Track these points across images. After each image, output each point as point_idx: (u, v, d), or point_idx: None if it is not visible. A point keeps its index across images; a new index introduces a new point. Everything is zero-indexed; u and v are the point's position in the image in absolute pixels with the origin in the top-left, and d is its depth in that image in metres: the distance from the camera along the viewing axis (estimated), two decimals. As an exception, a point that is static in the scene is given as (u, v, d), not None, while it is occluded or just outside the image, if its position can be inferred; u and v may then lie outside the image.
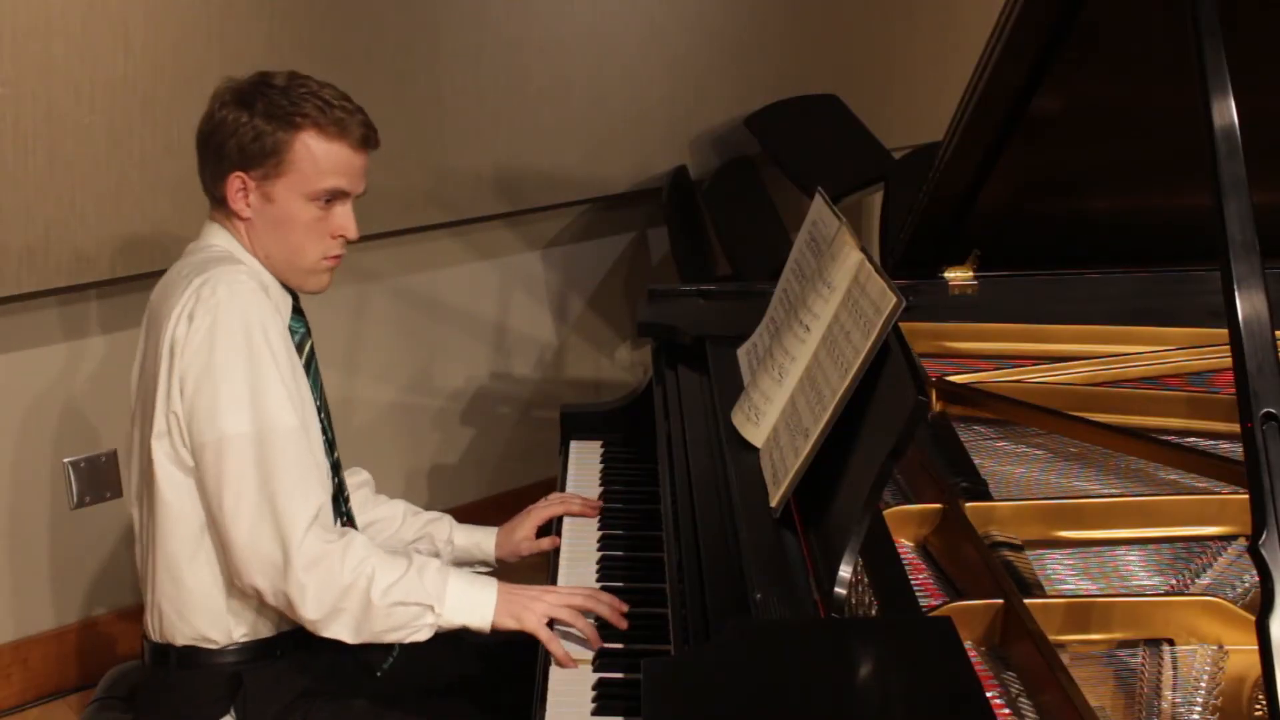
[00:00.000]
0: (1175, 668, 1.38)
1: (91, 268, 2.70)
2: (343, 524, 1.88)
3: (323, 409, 1.87)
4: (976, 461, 1.83)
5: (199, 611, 1.77)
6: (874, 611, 1.44)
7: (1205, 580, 1.56)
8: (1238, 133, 1.34)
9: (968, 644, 1.36)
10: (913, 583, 1.49)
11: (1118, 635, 1.43)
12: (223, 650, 1.79)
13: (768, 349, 1.89)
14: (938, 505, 1.64)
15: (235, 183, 1.76)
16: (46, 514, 2.85)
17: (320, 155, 1.74)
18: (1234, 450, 1.84)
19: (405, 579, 1.68)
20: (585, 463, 2.27)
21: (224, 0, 2.75)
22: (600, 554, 1.95)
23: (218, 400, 1.68)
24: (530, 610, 1.70)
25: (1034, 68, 2.04)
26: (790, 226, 3.65)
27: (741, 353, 2.07)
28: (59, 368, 2.80)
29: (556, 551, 1.99)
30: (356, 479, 2.08)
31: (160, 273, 1.85)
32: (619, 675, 1.63)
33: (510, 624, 1.70)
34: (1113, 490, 1.79)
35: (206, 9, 2.73)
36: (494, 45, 3.27)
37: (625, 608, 1.73)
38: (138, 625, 1.86)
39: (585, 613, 1.71)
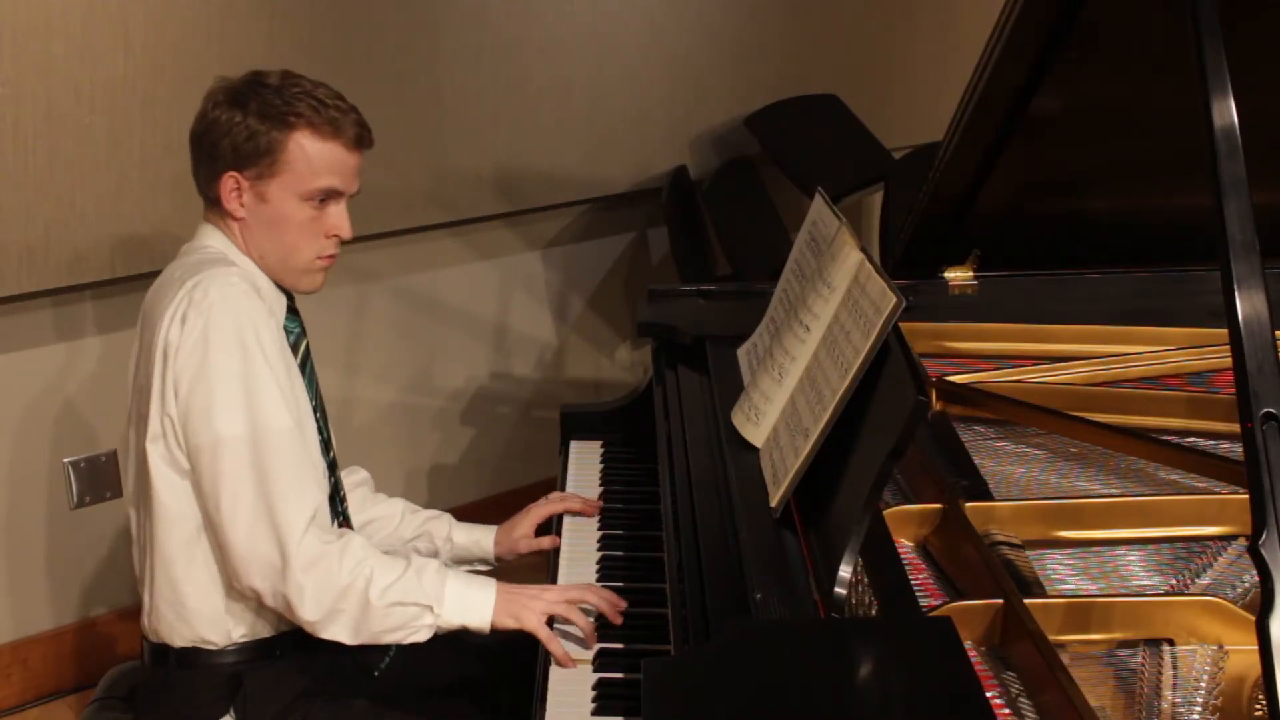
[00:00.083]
0: (1175, 668, 1.38)
1: (91, 268, 2.70)
2: (339, 524, 1.88)
3: (318, 409, 1.87)
4: (976, 461, 1.83)
5: (197, 614, 1.77)
6: (874, 611, 1.44)
7: (1205, 580, 1.56)
8: (1238, 133, 1.34)
9: (968, 644, 1.36)
10: (913, 583, 1.49)
11: (1118, 635, 1.43)
12: (222, 651, 1.79)
13: (768, 349, 1.89)
14: (938, 505, 1.64)
15: (229, 183, 1.75)
16: (47, 514, 2.85)
17: (314, 155, 1.74)
18: (1234, 450, 1.84)
19: (404, 579, 1.68)
20: (585, 463, 2.27)
21: (224, 0, 2.75)
22: (600, 554, 1.95)
23: (212, 403, 1.67)
24: (529, 609, 1.70)
25: (1034, 68, 2.04)
26: (790, 226, 3.65)
27: (741, 353, 2.07)
28: (59, 367, 2.80)
29: (556, 551, 1.99)
30: (354, 478, 2.08)
31: (160, 273, 1.85)
32: (619, 675, 1.63)
33: (509, 623, 1.70)
34: (1113, 490, 1.78)
35: (206, 9, 2.73)
36: (494, 45, 3.27)
37: (623, 604, 1.73)
38: (137, 625, 1.86)
39: (583, 607, 1.72)
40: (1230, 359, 1.28)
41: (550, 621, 1.70)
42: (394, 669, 1.87)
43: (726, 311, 2.34)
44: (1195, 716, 1.32)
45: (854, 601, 1.45)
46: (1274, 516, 1.19)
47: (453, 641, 1.75)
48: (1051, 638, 1.35)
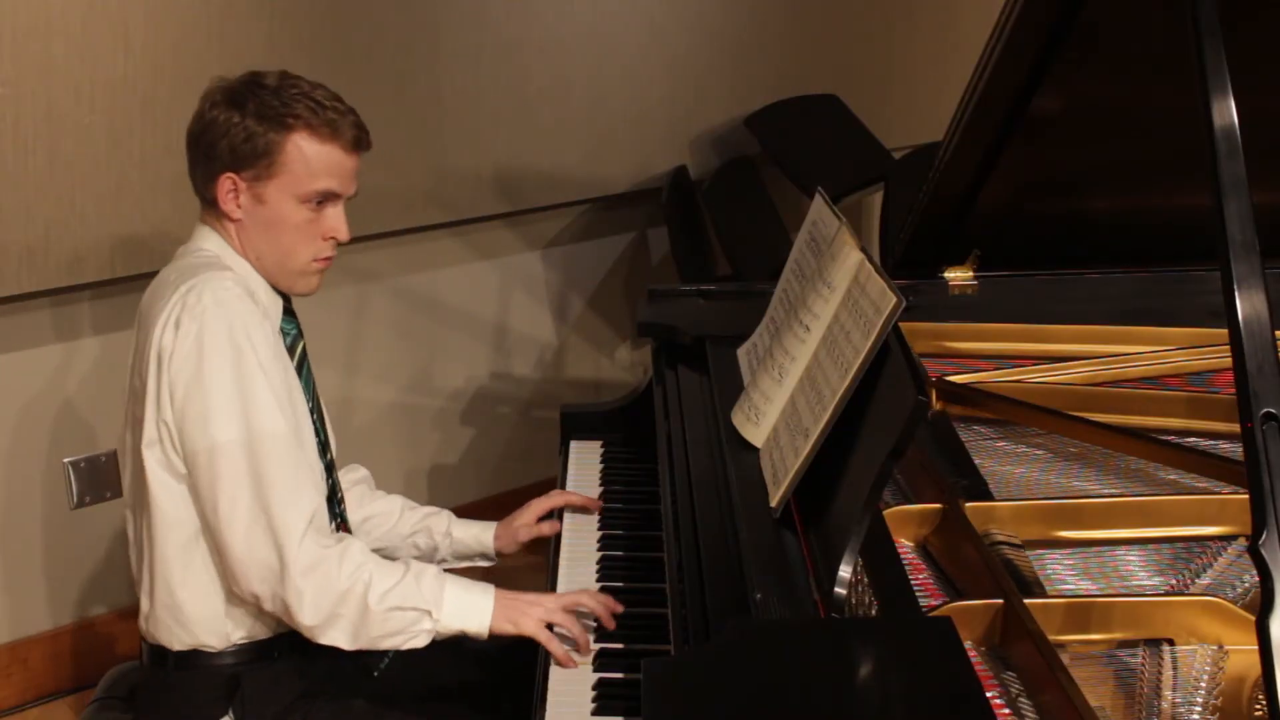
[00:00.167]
0: (1175, 668, 1.38)
1: (91, 268, 2.70)
2: (337, 525, 1.88)
3: (315, 410, 1.87)
4: (976, 461, 1.83)
5: (195, 619, 1.77)
6: (874, 611, 1.44)
7: (1205, 580, 1.56)
8: (1238, 133, 1.34)
9: (968, 644, 1.36)
10: (913, 583, 1.49)
11: (1118, 635, 1.43)
12: (220, 653, 1.79)
13: (768, 349, 1.89)
14: (938, 505, 1.64)
15: (226, 184, 1.75)
16: (47, 514, 2.85)
17: (312, 157, 1.73)
18: (1234, 450, 1.84)
19: (402, 584, 1.68)
20: (585, 463, 2.27)
21: (224, 0, 2.75)
22: (600, 554, 1.95)
23: (208, 409, 1.67)
24: (528, 615, 1.70)
25: (1034, 68, 2.04)
26: (790, 226, 3.65)
27: (741, 353, 2.07)
28: (59, 367, 2.80)
29: (556, 552, 1.99)
30: (353, 475, 2.08)
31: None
32: (619, 675, 1.63)
33: (508, 629, 1.70)
34: (1113, 490, 1.78)
35: (206, 9, 2.73)
36: (494, 45, 3.27)
37: (619, 608, 1.73)
38: (136, 625, 1.86)
39: (580, 611, 1.71)
40: (1230, 359, 1.28)
41: (549, 627, 1.70)
42: (393, 670, 1.87)
43: (726, 311, 2.34)
44: (1195, 716, 1.32)
45: (854, 601, 1.45)
46: (1274, 516, 1.19)
47: (452, 643, 1.75)
48: (1051, 638, 1.35)
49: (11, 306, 2.68)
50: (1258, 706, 1.35)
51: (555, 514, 2.08)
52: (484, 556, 2.07)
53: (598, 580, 1.89)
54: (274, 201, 1.75)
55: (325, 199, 1.77)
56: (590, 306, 3.80)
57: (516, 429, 3.69)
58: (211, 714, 1.76)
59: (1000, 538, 1.61)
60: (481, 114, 3.29)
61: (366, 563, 1.68)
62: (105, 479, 2.88)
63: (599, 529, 2.03)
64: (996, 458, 1.89)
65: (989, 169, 2.21)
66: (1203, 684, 1.36)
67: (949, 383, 2.03)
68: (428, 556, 2.04)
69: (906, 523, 1.64)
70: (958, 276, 2.40)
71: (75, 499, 2.86)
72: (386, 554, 1.99)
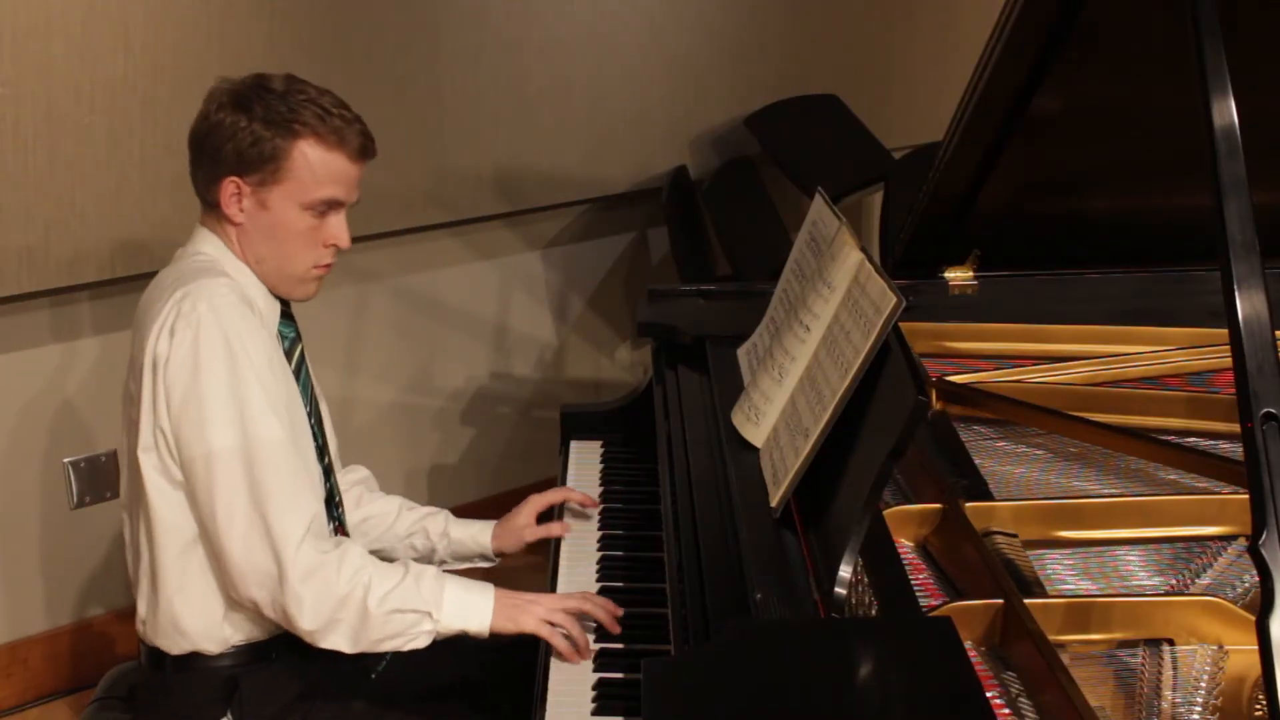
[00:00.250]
0: (1175, 668, 1.38)
1: (91, 268, 2.70)
2: (335, 529, 1.87)
3: (313, 414, 1.86)
4: (976, 461, 1.83)
5: (193, 625, 1.76)
6: (874, 611, 1.44)
7: (1205, 580, 1.56)
8: (1238, 133, 1.34)
9: (968, 644, 1.36)
10: (913, 583, 1.49)
11: (1118, 635, 1.43)
12: (218, 655, 1.79)
13: (768, 349, 1.89)
14: (938, 505, 1.64)
15: (229, 187, 1.74)
16: (47, 514, 2.85)
17: (318, 164, 1.73)
18: (1234, 450, 1.84)
19: (402, 586, 1.68)
20: (585, 463, 2.27)
21: (224, 0, 2.75)
22: (600, 554, 1.95)
23: (204, 416, 1.67)
24: (528, 613, 1.70)
25: (1034, 68, 2.04)
26: (790, 226, 3.65)
27: (741, 353, 2.07)
28: (59, 367, 2.80)
29: (556, 552, 1.99)
30: (353, 476, 2.07)
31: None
32: (619, 675, 1.63)
33: (509, 628, 1.70)
34: (1113, 490, 1.78)
35: (206, 9, 2.73)
36: (494, 45, 3.27)
37: (619, 611, 1.73)
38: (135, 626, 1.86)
39: (580, 616, 1.71)
40: (1230, 359, 1.28)
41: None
42: (393, 670, 1.87)
43: (726, 311, 2.34)
44: (1195, 716, 1.32)
45: (854, 601, 1.45)
46: (1274, 516, 1.19)
47: (452, 643, 1.75)
48: (1051, 638, 1.35)
49: (11, 306, 2.68)
50: (1258, 706, 1.35)
51: (555, 512, 2.07)
52: (483, 557, 2.06)
53: (598, 580, 1.89)
54: (277, 207, 1.74)
55: (329, 207, 1.76)
56: (590, 306, 3.80)
57: (516, 429, 3.69)
58: (210, 716, 1.76)
59: (1000, 538, 1.61)
60: (481, 114, 3.29)
61: (365, 566, 1.68)
62: (105, 479, 2.88)
63: (599, 529, 2.03)
64: (996, 458, 1.89)
65: (989, 169, 2.21)
66: (1203, 684, 1.36)
67: (949, 383, 2.03)
68: (425, 558, 2.04)
69: (906, 523, 1.64)
70: (958, 276, 2.40)
71: (75, 499, 2.87)
72: (384, 555, 1.99)
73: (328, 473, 1.88)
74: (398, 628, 1.68)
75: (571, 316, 3.77)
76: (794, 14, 3.99)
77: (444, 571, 1.75)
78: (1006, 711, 1.32)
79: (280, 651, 1.80)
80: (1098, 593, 1.55)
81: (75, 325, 2.80)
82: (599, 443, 2.33)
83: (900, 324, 1.49)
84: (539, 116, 3.42)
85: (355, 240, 1.83)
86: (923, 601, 1.47)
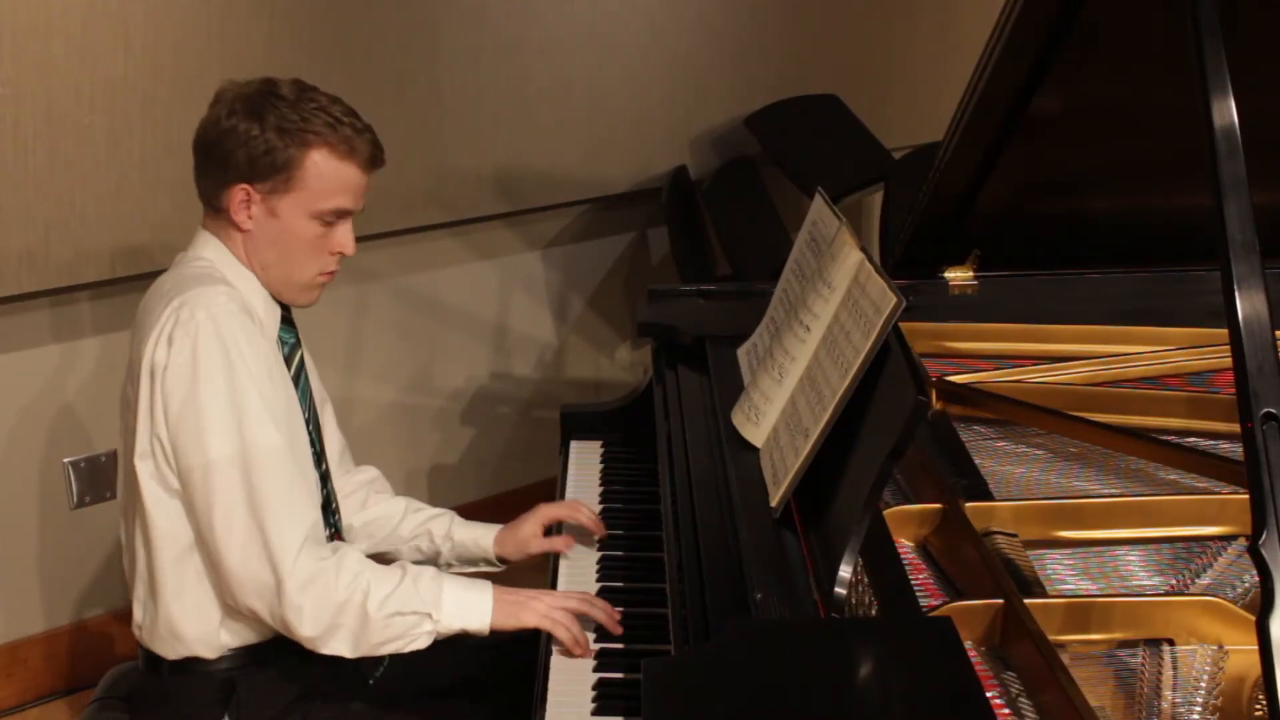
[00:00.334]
0: (1175, 668, 1.38)
1: (91, 268, 2.69)
2: (331, 534, 1.87)
3: (311, 421, 1.86)
4: (976, 461, 1.83)
5: (190, 631, 1.76)
6: (874, 611, 1.44)
7: (1205, 580, 1.56)
8: (1238, 133, 1.34)
9: (968, 644, 1.36)
10: (913, 583, 1.49)
11: (1118, 635, 1.43)
12: (215, 660, 1.79)
13: (768, 349, 1.89)
14: (938, 505, 1.64)
15: (239, 194, 1.73)
16: (47, 514, 2.85)
17: (330, 174, 1.73)
18: (1234, 450, 1.84)
19: (400, 589, 1.68)
20: (585, 463, 2.27)
21: (224, 0, 2.75)
22: (600, 554, 1.96)
23: (202, 426, 1.66)
24: (529, 609, 1.70)
25: (1034, 68, 2.04)
26: (790, 226, 3.65)
27: (741, 353, 2.07)
28: (59, 367, 2.80)
29: (556, 552, 1.98)
30: (361, 477, 2.07)
31: (160, 272, 1.85)
32: (619, 675, 1.63)
33: (509, 624, 1.70)
34: (1113, 490, 1.78)
35: (206, 9, 2.73)
36: (494, 45, 3.27)
37: (618, 615, 1.73)
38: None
39: (580, 617, 1.71)
40: (1230, 359, 1.28)
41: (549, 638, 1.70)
42: (392, 671, 1.87)
43: (726, 311, 2.34)
44: (1195, 716, 1.32)
45: (854, 601, 1.45)
46: (1274, 516, 1.19)
47: (452, 643, 1.75)
48: (1051, 638, 1.35)
49: (11, 307, 2.68)
50: (1258, 706, 1.35)
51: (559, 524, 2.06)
52: (487, 562, 2.03)
53: (598, 580, 1.89)
54: (287, 216, 1.74)
55: (337, 216, 1.76)
56: (590, 306, 3.80)
57: (516, 429, 3.69)
58: (207, 719, 1.76)
59: (1000, 538, 1.61)
60: (481, 114, 3.29)
61: (364, 571, 1.68)
62: (105, 479, 2.88)
63: (599, 529, 2.03)
64: (996, 458, 1.89)
65: (989, 169, 2.21)
66: (1203, 684, 1.36)
67: (949, 383, 2.03)
68: (430, 560, 2.02)
69: (906, 523, 1.64)
70: (958, 276, 2.40)
71: (75, 499, 2.87)
72: (390, 557, 1.99)
73: (325, 479, 1.88)
74: (398, 630, 1.67)
75: (571, 316, 3.77)
76: (794, 14, 3.99)
77: (441, 572, 1.76)
78: (1006, 711, 1.32)
79: (277, 654, 1.80)
80: (1098, 593, 1.55)
81: (75, 325, 2.80)
82: (599, 443, 2.33)
83: (900, 324, 1.49)
84: (539, 116, 3.42)
85: (355, 241, 1.83)
86: (923, 601, 1.47)
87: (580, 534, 2.01)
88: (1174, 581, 1.57)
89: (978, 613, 1.41)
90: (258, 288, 1.79)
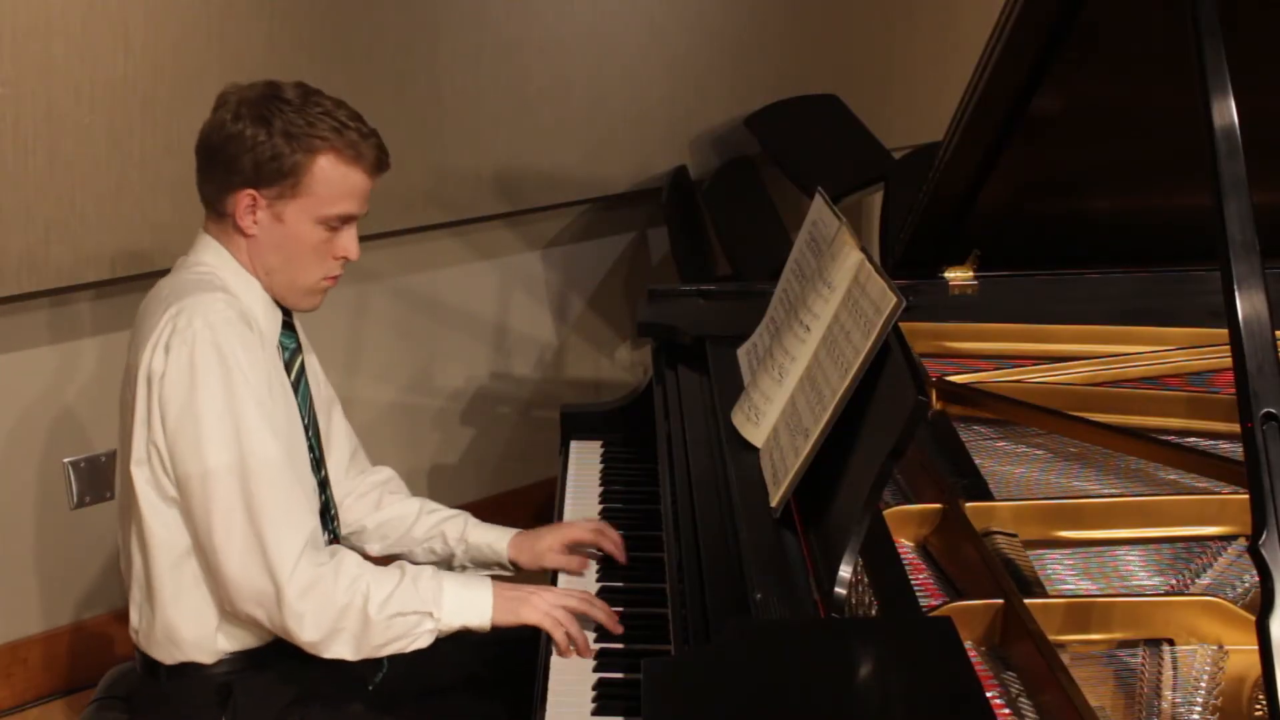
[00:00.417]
0: (1175, 668, 1.38)
1: (91, 268, 2.69)
2: (330, 540, 1.87)
3: (310, 427, 1.86)
4: (976, 461, 1.83)
5: (187, 637, 1.76)
6: (874, 611, 1.44)
7: (1205, 580, 1.56)
8: (1238, 133, 1.34)
9: (968, 644, 1.36)
10: (913, 583, 1.49)
11: (1118, 635, 1.43)
12: (212, 665, 1.78)
13: (768, 349, 1.89)
14: (938, 505, 1.64)
15: (245, 199, 1.72)
16: (47, 514, 2.85)
17: (336, 180, 1.72)
18: (1234, 450, 1.84)
19: (400, 590, 1.68)
20: (585, 463, 2.27)
21: (224, 0, 2.75)
22: (601, 554, 1.95)
23: (200, 435, 1.66)
24: (529, 605, 1.70)
25: (1034, 68, 2.04)
26: (790, 226, 3.65)
27: (741, 353, 2.07)
28: (59, 368, 2.80)
29: (557, 551, 1.98)
30: (376, 477, 2.06)
31: (160, 273, 1.85)
32: (619, 675, 1.63)
33: (510, 620, 1.70)
34: (1113, 490, 1.78)
35: (206, 9, 2.73)
36: (494, 45, 3.27)
37: (615, 616, 1.73)
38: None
39: (580, 618, 1.71)
40: (1230, 359, 1.28)
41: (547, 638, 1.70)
42: (392, 670, 1.87)
43: (726, 311, 2.34)
44: (1195, 716, 1.32)
45: (854, 601, 1.45)
46: (1274, 516, 1.19)
47: (451, 643, 1.75)
48: (1051, 638, 1.35)
49: (11, 307, 2.68)
50: (1258, 706, 1.35)
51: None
52: (500, 566, 2.00)
53: (598, 580, 1.89)
54: (292, 221, 1.73)
55: (342, 221, 1.76)
56: (590, 306, 3.80)
57: (516, 429, 3.69)
58: (207, 718, 1.76)
59: (1000, 537, 1.61)
60: (481, 114, 3.29)
61: (362, 574, 1.68)
62: (105, 479, 2.88)
63: (599, 529, 2.02)
64: (996, 458, 1.89)
65: (989, 169, 2.21)
66: (1203, 684, 1.36)
67: (949, 383, 2.03)
68: (444, 562, 2.00)
69: (906, 523, 1.64)
70: (958, 276, 2.40)
71: (75, 499, 2.86)
72: (404, 559, 1.97)
73: (324, 485, 1.88)
74: (400, 630, 1.67)
75: (571, 316, 3.77)
76: (794, 14, 3.99)
77: (439, 570, 1.76)
78: (1006, 711, 1.32)
79: (275, 658, 1.79)
80: (1098, 593, 1.55)
81: (75, 326, 2.80)
82: (599, 443, 2.33)
83: (900, 324, 1.49)
84: (539, 116, 3.42)
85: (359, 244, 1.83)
86: (923, 601, 1.47)
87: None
88: (1174, 581, 1.57)
89: (978, 613, 1.41)
90: (260, 293, 1.78)
